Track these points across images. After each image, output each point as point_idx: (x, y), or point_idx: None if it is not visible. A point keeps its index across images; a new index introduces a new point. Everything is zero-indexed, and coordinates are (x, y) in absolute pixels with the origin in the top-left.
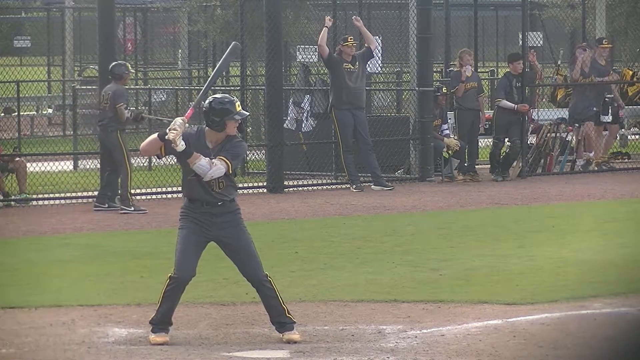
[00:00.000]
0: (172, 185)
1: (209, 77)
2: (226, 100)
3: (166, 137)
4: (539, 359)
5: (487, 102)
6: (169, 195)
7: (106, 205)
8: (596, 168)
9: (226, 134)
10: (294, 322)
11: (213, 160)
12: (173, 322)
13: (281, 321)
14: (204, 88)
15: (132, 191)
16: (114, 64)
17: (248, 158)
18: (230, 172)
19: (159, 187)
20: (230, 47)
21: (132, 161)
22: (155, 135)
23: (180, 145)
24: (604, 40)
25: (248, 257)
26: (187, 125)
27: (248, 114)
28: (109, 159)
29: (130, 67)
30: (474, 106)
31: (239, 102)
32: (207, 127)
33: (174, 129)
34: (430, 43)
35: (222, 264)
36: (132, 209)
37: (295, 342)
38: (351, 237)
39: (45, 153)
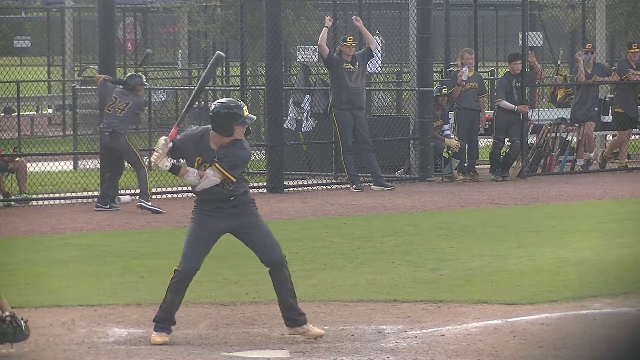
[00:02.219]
0: (172, 185)
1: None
2: (232, 104)
3: (152, 164)
4: (539, 359)
5: (487, 102)
6: (169, 195)
7: (107, 206)
8: (595, 167)
9: (233, 138)
10: (304, 314)
11: (206, 171)
12: (176, 322)
13: (294, 307)
14: (187, 104)
15: (132, 191)
16: (130, 74)
17: None
18: (233, 180)
19: (159, 187)
20: (213, 57)
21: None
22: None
23: (163, 167)
24: (634, 45)
25: (267, 240)
26: (170, 145)
27: (255, 117)
28: (115, 162)
29: (144, 79)
30: (473, 106)
31: (246, 107)
32: (212, 131)
33: (156, 152)
34: (430, 43)
35: (222, 264)
36: (150, 204)
37: (319, 337)
38: (351, 237)
39: (45, 153)
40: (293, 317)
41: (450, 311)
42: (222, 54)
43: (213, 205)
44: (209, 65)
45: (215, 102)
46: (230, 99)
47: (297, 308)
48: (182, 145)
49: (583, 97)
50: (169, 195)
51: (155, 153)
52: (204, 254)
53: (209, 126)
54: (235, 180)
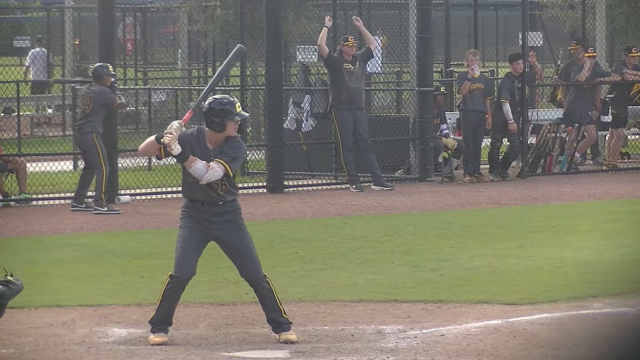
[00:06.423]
0: (172, 185)
1: (210, 77)
2: (225, 101)
3: (162, 140)
4: (538, 359)
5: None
6: (169, 195)
7: (83, 206)
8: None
9: (226, 134)
10: (290, 323)
11: (210, 163)
12: (173, 322)
13: (277, 320)
14: (204, 90)
15: (132, 191)
16: (96, 65)
17: (248, 158)
18: (231, 175)
19: (159, 187)
20: (235, 49)
21: (133, 160)
22: (152, 138)
23: (176, 149)
24: (633, 49)
25: (248, 257)
26: (183, 128)
27: (248, 114)
28: (87, 160)
29: (111, 69)
30: (478, 108)
31: (239, 103)
32: (206, 128)
33: (170, 133)
34: (430, 43)
35: (222, 264)
36: (105, 209)
37: (292, 343)
38: (351, 237)
39: (45, 153)
40: (275, 327)
41: (450, 311)
42: (243, 47)
43: (203, 209)
44: (229, 57)
45: (210, 98)
46: (225, 95)
47: (280, 321)
48: (181, 141)
49: (578, 97)
50: (169, 196)
51: (169, 135)
52: (196, 259)
53: (203, 126)
54: (233, 175)
